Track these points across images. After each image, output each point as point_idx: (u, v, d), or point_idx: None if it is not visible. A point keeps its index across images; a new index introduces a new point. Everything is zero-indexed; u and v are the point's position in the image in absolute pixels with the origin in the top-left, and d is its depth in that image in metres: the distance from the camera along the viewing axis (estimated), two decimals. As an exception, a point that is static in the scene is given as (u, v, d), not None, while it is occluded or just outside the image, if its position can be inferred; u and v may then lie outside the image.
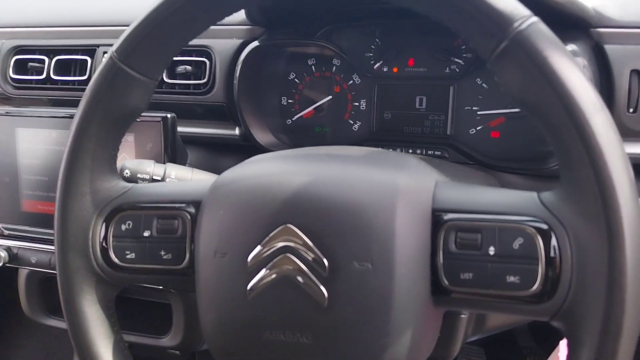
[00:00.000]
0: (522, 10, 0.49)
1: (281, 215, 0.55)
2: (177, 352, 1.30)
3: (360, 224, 0.52)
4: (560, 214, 0.49)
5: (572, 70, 0.47)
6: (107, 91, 0.61)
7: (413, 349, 0.54)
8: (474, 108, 1.05)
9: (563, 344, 0.76)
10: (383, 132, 1.11)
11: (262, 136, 1.12)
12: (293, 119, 1.17)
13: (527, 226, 0.50)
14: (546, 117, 0.49)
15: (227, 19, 0.62)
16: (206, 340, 0.60)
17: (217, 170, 0.96)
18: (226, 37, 1.09)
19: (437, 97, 1.07)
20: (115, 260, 0.64)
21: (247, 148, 1.16)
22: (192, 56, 1.10)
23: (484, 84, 1.04)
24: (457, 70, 1.05)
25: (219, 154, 1.19)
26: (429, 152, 1.05)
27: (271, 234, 0.54)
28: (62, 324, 1.26)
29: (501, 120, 1.04)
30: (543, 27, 0.48)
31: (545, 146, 1.01)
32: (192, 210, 0.63)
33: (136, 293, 1.20)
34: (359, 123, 1.13)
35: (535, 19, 0.49)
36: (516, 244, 0.50)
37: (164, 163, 1.00)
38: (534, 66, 0.48)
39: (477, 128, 1.05)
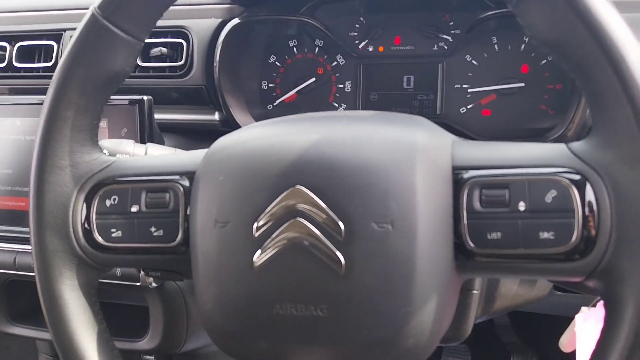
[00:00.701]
0: None
1: (289, 176, 0.49)
2: (152, 357, 1.22)
3: (377, 182, 0.48)
4: (596, 162, 0.46)
5: (604, 5, 0.44)
6: (89, 51, 0.55)
7: (437, 320, 0.49)
8: (463, 86, 1.02)
9: (579, 318, 0.73)
10: (370, 114, 1.07)
11: (245, 120, 1.07)
12: (275, 104, 1.12)
13: (560, 177, 0.46)
14: (577, 57, 0.45)
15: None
16: (204, 322, 0.54)
17: None
18: (204, 17, 1.04)
19: (426, 76, 1.04)
20: (99, 239, 0.57)
21: (224, 133, 1.10)
22: (167, 37, 1.04)
23: (473, 61, 1.01)
24: (446, 47, 1.02)
25: (197, 141, 1.12)
26: (420, 132, 1.01)
27: (279, 198, 0.49)
28: (27, 332, 1.17)
29: (492, 98, 1.01)
30: None
31: (540, 122, 0.99)
32: (186, 182, 0.57)
33: (109, 296, 1.12)
34: (344, 106, 1.09)
35: None
36: (549, 197, 0.46)
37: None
38: (564, 2, 0.44)
39: (468, 106, 1.02)
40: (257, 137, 0.54)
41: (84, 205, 0.58)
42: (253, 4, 1.03)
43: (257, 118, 1.11)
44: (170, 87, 1.06)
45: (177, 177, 0.58)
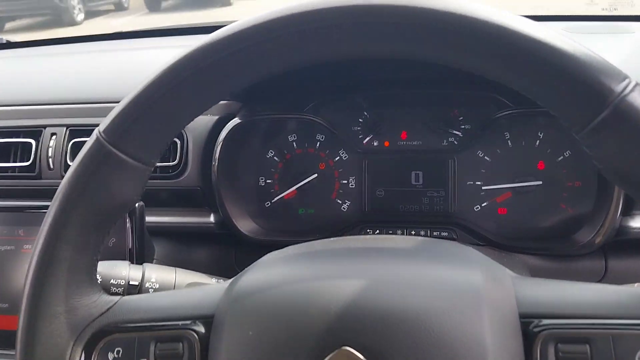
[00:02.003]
0: (621, 73, 0.41)
1: (334, 335, 0.41)
2: None
3: (441, 342, 0.40)
4: None
5: None
6: (93, 181, 0.47)
7: None
8: (477, 183, 0.97)
9: None
10: (376, 211, 1.00)
11: (243, 223, 0.99)
12: (273, 201, 1.05)
13: None
14: None
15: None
16: None
17: (189, 265, 0.82)
18: (199, 114, 0.97)
19: (435, 172, 0.98)
20: (100, 407, 0.47)
21: (222, 237, 1.02)
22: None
23: (486, 157, 0.96)
24: (456, 142, 0.98)
25: (190, 246, 1.03)
26: (434, 233, 0.94)
27: None
28: None
29: (508, 196, 0.96)
30: None
31: (561, 222, 0.93)
32: (201, 328, 0.48)
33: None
34: (348, 202, 1.02)
35: (634, 81, 0.40)
36: None
37: (134, 261, 0.83)
38: None
39: (483, 204, 0.96)
40: (290, 279, 0.46)
41: (83, 359, 0.48)
42: (252, 101, 0.97)
43: (254, 215, 1.03)
44: (161, 188, 0.97)
45: (190, 322, 0.49)
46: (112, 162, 0.47)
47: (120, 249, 0.89)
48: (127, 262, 0.75)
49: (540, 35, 0.40)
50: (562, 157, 0.93)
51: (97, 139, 0.48)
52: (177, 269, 0.76)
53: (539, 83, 0.42)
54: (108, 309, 0.50)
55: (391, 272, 0.45)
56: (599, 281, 0.91)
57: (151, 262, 0.93)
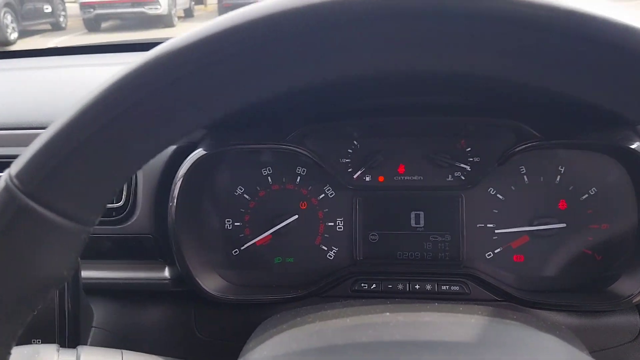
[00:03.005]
0: None
1: None
2: None
3: None
4: None
5: None
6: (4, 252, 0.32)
7: None
8: (488, 225, 0.82)
9: None
10: (370, 260, 0.84)
11: (206, 277, 0.80)
12: (242, 248, 0.86)
13: None
14: None
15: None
16: None
17: (138, 330, 0.63)
18: (152, 142, 0.78)
19: (440, 213, 0.83)
20: None
21: (178, 295, 0.82)
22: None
23: (498, 195, 0.82)
24: (463, 178, 0.83)
25: (139, 307, 0.83)
26: (443, 288, 0.78)
27: None
28: None
29: (525, 240, 0.81)
30: None
31: (586, 271, 0.80)
32: None
33: None
34: (335, 249, 0.85)
35: None
36: None
37: (65, 341, 0.63)
38: None
39: (496, 251, 0.82)
40: None
41: None
42: (219, 127, 0.79)
43: (219, 267, 0.84)
44: (103, 235, 0.77)
45: None
46: (30, 220, 0.32)
47: (49, 319, 0.69)
48: (55, 346, 0.55)
49: None
50: (586, 195, 0.80)
51: (7, 186, 0.30)
52: (124, 351, 0.56)
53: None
54: None
55: None
56: (634, 340, 0.77)
57: (89, 330, 0.73)
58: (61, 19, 10.20)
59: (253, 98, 0.34)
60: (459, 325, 0.44)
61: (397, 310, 0.51)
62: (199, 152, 0.75)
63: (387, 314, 0.49)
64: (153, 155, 0.36)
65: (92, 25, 9.94)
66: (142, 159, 0.36)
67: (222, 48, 0.30)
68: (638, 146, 0.69)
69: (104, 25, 10.20)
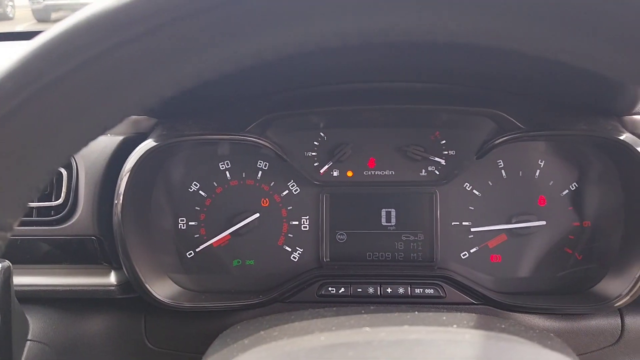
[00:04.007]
0: None
1: None
2: None
3: None
4: None
5: None
6: None
7: None
8: (464, 223, 0.77)
9: None
10: (338, 262, 0.78)
11: (157, 283, 0.72)
12: (197, 250, 0.79)
13: None
14: None
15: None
16: None
17: (82, 340, 0.65)
18: (95, 133, 0.70)
19: (412, 211, 0.77)
20: None
21: (127, 302, 0.74)
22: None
23: (475, 191, 0.77)
24: (437, 172, 0.77)
25: (82, 317, 0.75)
26: (417, 291, 0.73)
27: None
28: None
29: (502, 239, 0.77)
30: None
31: (567, 271, 0.75)
32: None
33: None
34: (300, 250, 0.79)
35: None
36: None
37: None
38: None
39: (471, 251, 0.77)
40: None
41: None
42: (171, 116, 0.71)
43: (172, 270, 0.77)
44: (40, 237, 0.69)
45: None
46: None
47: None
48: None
49: None
50: (567, 190, 0.75)
51: None
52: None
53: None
54: None
55: None
56: (615, 343, 0.73)
57: (23, 344, 0.65)
58: (8, 9, 9.83)
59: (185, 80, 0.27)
60: (451, 343, 0.38)
61: (377, 324, 0.45)
62: (148, 143, 0.67)
63: (367, 329, 0.43)
64: (80, 145, 0.29)
65: (42, 15, 9.61)
66: (68, 148, 0.29)
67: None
68: (627, 137, 0.65)
69: (54, 15, 9.86)
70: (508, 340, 0.41)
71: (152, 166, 0.71)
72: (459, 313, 0.49)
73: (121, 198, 0.66)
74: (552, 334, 0.49)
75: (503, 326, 0.46)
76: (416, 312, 0.48)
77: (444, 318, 0.47)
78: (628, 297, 0.66)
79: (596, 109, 0.68)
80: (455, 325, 0.44)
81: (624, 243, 0.70)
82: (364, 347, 0.37)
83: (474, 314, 0.50)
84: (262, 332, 0.46)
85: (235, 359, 0.40)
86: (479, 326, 0.44)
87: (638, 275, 0.65)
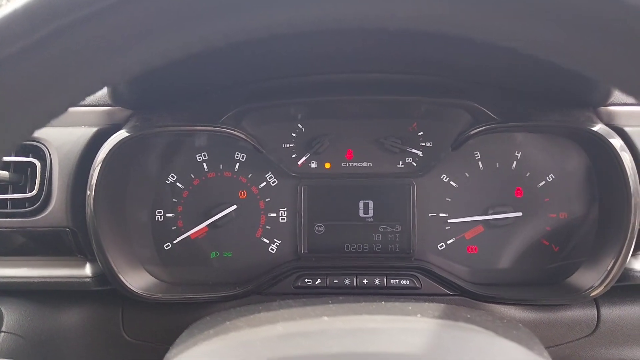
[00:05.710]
0: None
1: None
2: None
3: None
4: None
5: None
6: None
7: None
8: (441, 215, 0.77)
9: None
10: (315, 254, 0.78)
11: (133, 275, 0.72)
12: (175, 242, 0.79)
13: None
14: None
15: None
16: None
17: (58, 333, 0.64)
18: (69, 125, 0.70)
19: (390, 202, 0.77)
20: None
21: (103, 294, 0.74)
22: (10, 154, 0.68)
23: (452, 182, 0.77)
24: (415, 164, 0.77)
25: (57, 309, 0.75)
26: (393, 281, 0.73)
27: None
28: None
29: (479, 230, 0.77)
30: None
31: (543, 262, 0.75)
32: None
33: None
34: (277, 242, 0.78)
35: None
36: None
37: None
38: None
39: (448, 242, 0.77)
40: None
41: None
42: (146, 107, 0.71)
43: (148, 263, 0.77)
44: (14, 229, 0.69)
45: None
46: None
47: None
48: None
49: None
50: (544, 182, 0.75)
51: None
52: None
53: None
54: None
55: None
56: (591, 334, 0.73)
57: None
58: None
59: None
60: (407, 332, 0.38)
61: (337, 314, 0.45)
62: (120, 134, 0.67)
63: (325, 318, 0.43)
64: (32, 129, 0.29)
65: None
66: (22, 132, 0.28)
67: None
68: (600, 128, 0.65)
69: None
70: (468, 329, 0.41)
71: (126, 157, 0.71)
72: (426, 303, 0.49)
73: (93, 190, 0.66)
74: (520, 325, 0.49)
75: (469, 316, 0.46)
76: (382, 302, 0.48)
77: (410, 307, 0.47)
78: (601, 288, 0.66)
79: (572, 100, 0.68)
80: (419, 315, 0.44)
81: (598, 234, 0.70)
82: (319, 335, 0.37)
83: (441, 304, 0.50)
84: (227, 323, 0.46)
85: (195, 348, 0.40)
86: (442, 316, 0.44)
87: (611, 265, 0.65)
